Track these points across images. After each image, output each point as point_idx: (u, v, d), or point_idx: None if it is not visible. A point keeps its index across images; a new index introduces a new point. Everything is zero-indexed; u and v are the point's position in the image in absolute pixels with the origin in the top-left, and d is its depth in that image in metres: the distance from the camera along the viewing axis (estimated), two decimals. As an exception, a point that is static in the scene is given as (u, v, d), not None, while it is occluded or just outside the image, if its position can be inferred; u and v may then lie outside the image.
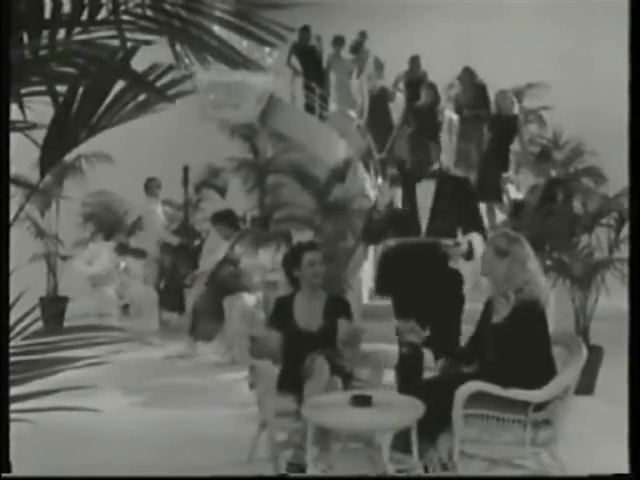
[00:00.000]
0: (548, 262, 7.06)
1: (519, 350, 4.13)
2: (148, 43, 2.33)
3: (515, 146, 10.26)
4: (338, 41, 13.23)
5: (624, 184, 6.64)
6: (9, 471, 2.60)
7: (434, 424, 4.07)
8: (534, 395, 4.04)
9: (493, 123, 10.29)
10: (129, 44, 2.28)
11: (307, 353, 4.74)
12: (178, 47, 2.52)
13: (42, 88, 2.36)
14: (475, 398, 4.06)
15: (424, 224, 5.43)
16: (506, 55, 13.19)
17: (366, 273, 9.22)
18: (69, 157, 10.41)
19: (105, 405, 5.84)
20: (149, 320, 9.49)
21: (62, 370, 2.58)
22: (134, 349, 8.92)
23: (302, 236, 8.76)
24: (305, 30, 13.17)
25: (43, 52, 2.33)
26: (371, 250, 9.11)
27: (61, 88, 2.45)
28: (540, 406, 4.11)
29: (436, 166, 5.57)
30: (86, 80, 2.33)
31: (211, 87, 11.96)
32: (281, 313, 5.03)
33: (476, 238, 5.27)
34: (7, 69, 2.34)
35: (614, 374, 5.80)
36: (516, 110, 10.14)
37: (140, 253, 9.80)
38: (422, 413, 3.97)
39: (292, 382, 4.69)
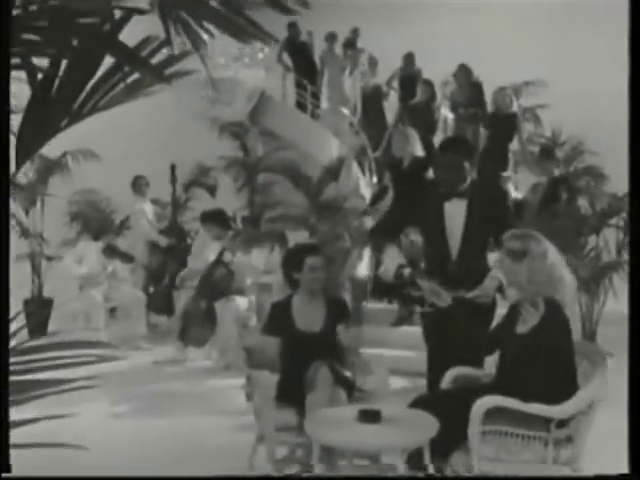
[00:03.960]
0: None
1: (543, 362, 3.80)
2: (141, 12, 2.01)
3: (514, 145, 10.02)
4: (331, 37, 12.96)
5: (625, 183, 6.48)
6: (9, 471, 2.51)
7: (448, 441, 3.75)
8: (558, 411, 3.68)
9: (491, 121, 10.02)
10: (119, 13, 1.96)
11: (308, 358, 4.43)
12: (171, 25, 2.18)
13: (18, 61, 2.02)
14: (492, 412, 3.71)
15: (454, 248, 4.79)
16: (502, 52, 12.92)
17: (362, 275, 8.93)
18: (54, 154, 10.13)
19: (91, 415, 5.58)
20: (137, 324, 9.16)
21: (45, 395, 2.27)
22: (119, 354, 8.62)
23: (297, 236, 8.50)
24: (293, 26, 12.91)
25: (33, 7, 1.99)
26: (366, 251, 8.83)
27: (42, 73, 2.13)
28: (562, 422, 3.78)
29: (468, 181, 4.85)
30: (70, 53, 2.00)
31: (201, 83, 11.62)
32: (279, 317, 4.73)
33: None
34: (7, 66, 2.15)
35: (622, 379, 5.55)
36: (515, 108, 9.88)
37: (128, 257, 9.48)
38: (435, 431, 3.63)
39: (292, 393, 4.38)
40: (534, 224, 7.24)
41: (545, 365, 3.78)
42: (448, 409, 3.80)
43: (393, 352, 7.45)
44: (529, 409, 3.67)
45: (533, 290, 3.97)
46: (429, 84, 10.77)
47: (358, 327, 4.64)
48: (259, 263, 8.51)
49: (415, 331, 8.05)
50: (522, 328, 3.99)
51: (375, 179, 10.31)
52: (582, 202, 7.26)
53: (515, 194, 9.22)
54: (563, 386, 3.79)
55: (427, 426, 3.67)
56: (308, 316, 4.68)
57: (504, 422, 3.74)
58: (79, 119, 2.17)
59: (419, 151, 8.32)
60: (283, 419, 4.31)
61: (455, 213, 4.77)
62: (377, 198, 8.77)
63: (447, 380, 4.29)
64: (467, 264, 4.70)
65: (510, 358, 3.99)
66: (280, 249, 8.22)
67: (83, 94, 2.09)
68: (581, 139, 9.66)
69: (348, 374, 4.56)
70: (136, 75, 2.14)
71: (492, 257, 4.79)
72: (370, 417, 3.68)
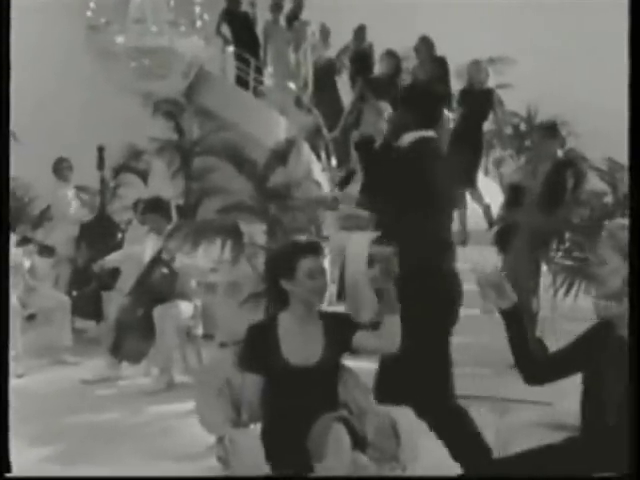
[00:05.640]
0: (568, 262, 5.79)
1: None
2: None
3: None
4: (275, 8, 11.72)
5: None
6: (9, 471, 2.75)
7: None
8: None
9: (463, 98, 8.95)
10: None
11: (302, 401, 3.23)
12: None
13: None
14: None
15: None
16: (464, 27, 11.86)
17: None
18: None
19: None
20: (60, 332, 7.73)
21: None
22: (40, 370, 7.28)
23: (253, 229, 7.27)
24: None
25: None
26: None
27: None
28: None
29: None
30: None
31: (132, 53, 10.27)
32: (260, 345, 3.45)
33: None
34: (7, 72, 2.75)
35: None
36: (491, 83, 8.82)
37: (48, 250, 8.03)
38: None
39: (291, 459, 3.11)
40: (536, 215, 6.22)
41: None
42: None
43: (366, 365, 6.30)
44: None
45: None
46: (393, 56, 9.60)
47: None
48: (207, 261, 7.22)
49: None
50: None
51: (334, 162, 9.13)
52: (603, 185, 6.21)
53: (510, 178, 8.14)
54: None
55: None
56: (301, 343, 3.41)
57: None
58: None
59: (395, 129, 7.17)
60: (280, 498, 3.03)
61: None
62: (343, 183, 7.58)
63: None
64: None
65: (616, 408, 2.80)
66: (233, 245, 6.92)
67: None
68: (564, 119, 8.65)
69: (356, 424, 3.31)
70: None
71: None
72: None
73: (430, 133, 3.90)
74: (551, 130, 6.55)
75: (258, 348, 3.43)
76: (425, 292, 3.77)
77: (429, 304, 3.78)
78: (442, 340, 3.94)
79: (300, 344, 3.42)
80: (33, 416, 5.80)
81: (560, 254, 6.21)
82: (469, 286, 7.13)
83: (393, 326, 3.42)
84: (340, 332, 3.49)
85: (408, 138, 3.82)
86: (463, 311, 7.10)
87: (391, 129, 3.90)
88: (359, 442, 3.14)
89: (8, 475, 2.65)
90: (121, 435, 5.42)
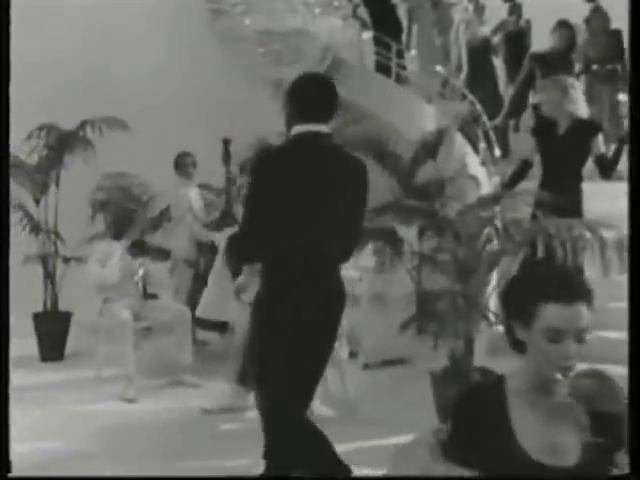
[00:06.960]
0: None
1: None
2: None
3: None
4: (421, -13, 10.55)
5: None
6: (9, 471, 2.56)
7: None
8: None
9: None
10: None
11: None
12: None
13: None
14: None
15: None
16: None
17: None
18: (70, 124, 7.81)
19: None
20: (180, 348, 6.70)
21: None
22: (155, 394, 6.27)
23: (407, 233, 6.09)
24: None
25: None
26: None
27: None
28: None
29: None
30: None
31: (261, 37, 9.24)
32: (480, 426, 2.17)
33: None
34: (7, 71, 2.78)
35: None
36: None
37: (163, 253, 7.05)
38: None
39: None
40: None
41: None
42: None
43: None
44: None
45: None
46: (568, 27, 8.24)
47: None
48: (355, 270, 6.05)
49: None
50: None
51: (498, 152, 7.85)
52: None
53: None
54: None
55: None
56: (544, 428, 2.07)
57: None
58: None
59: (583, 111, 5.86)
60: None
61: None
62: (517, 177, 6.23)
63: None
64: None
65: None
66: (392, 251, 5.72)
67: None
68: None
69: None
70: None
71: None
72: None
73: (320, 128, 3.49)
74: None
75: (477, 430, 2.13)
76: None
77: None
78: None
79: (542, 430, 2.07)
80: (142, 455, 4.76)
81: None
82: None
83: None
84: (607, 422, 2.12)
85: (294, 131, 3.52)
86: None
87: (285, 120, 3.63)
88: None
89: (9, 475, 2.53)
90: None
